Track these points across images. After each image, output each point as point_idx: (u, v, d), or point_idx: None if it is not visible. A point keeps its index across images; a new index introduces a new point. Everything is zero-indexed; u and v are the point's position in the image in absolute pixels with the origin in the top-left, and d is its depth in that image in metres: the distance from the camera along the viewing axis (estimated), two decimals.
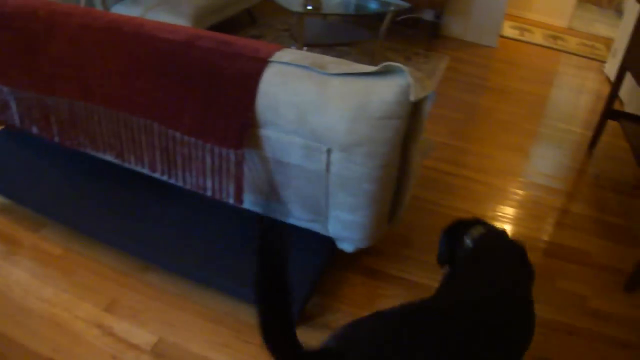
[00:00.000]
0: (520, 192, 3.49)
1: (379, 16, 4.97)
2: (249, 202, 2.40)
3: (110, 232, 2.50)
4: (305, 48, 4.60)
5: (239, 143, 2.09)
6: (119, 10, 4.86)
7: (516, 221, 3.20)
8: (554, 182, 3.64)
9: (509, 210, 3.29)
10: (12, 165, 2.94)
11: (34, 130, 2.79)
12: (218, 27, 5.27)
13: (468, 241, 1.87)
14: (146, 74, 2.22)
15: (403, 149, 2.06)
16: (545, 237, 3.08)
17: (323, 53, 3.69)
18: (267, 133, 2.06)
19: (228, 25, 5.67)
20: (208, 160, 2.24)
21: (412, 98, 1.77)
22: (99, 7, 4.91)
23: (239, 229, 2.48)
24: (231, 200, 2.30)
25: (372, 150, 1.90)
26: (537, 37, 6.94)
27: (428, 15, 6.16)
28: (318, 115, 1.90)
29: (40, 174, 2.86)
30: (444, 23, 6.37)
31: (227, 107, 2.06)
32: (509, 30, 6.98)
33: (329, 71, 1.89)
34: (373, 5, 5.01)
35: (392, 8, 4.73)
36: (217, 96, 2.07)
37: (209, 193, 2.35)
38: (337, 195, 2.10)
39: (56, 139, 2.73)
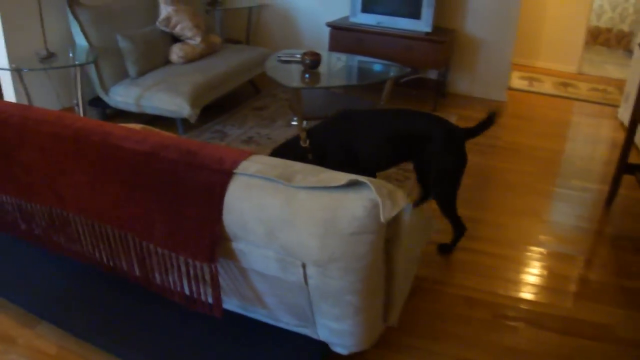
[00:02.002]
0: (534, 263, 3.31)
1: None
2: (234, 305, 2.33)
3: (102, 337, 2.45)
4: (305, 123, 4.50)
5: (211, 257, 1.97)
6: (118, 91, 4.84)
7: (530, 297, 3.02)
8: (570, 248, 3.46)
9: (522, 287, 3.11)
10: (3, 262, 2.94)
11: (16, 234, 2.75)
12: (220, 101, 5.21)
13: None
14: (114, 185, 2.12)
15: (387, 255, 1.92)
16: (563, 313, 2.89)
17: None
18: (240, 247, 1.95)
19: (231, 98, 5.60)
20: (184, 270, 2.12)
21: (382, 219, 1.63)
22: (98, 89, 4.88)
23: (231, 333, 2.40)
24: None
25: (348, 266, 1.76)
26: (547, 86, 6.80)
27: (433, 74, 6.05)
28: (287, 231, 1.77)
29: (32, 272, 2.85)
30: (450, 80, 6.26)
31: (194, 221, 1.95)
32: (517, 81, 6.86)
33: (295, 184, 1.76)
34: (372, 74, 4.92)
35: (392, 74, 4.62)
36: (184, 209, 1.96)
37: (189, 304, 2.23)
38: (320, 305, 1.98)
39: (38, 244, 2.69)
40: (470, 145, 4.36)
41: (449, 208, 3.17)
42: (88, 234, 2.40)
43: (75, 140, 2.20)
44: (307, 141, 3.08)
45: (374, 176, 3.22)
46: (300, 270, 1.85)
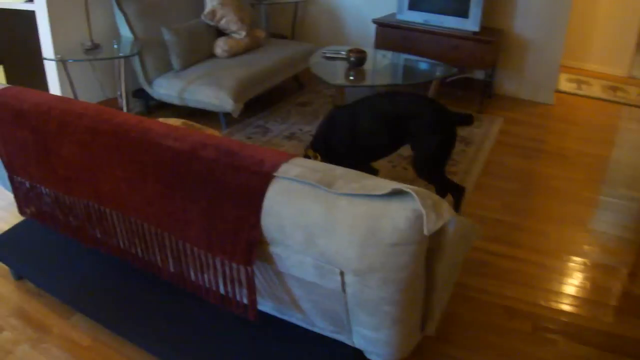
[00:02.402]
0: (576, 273, 3.23)
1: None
2: (269, 308, 2.30)
3: (135, 331, 2.48)
4: None
5: (248, 260, 1.93)
6: (161, 83, 4.84)
7: (571, 309, 2.94)
8: (614, 260, 3.36)
9: (563, 298, 3.02)
10: (40, 252, 2.99)
11: (54, 225, 2.74)
12: (264, 96, 5.18)
13: None
14: (152, 183, 2.09)
15: (428, 266, 1.86)
16: (604, 328, 2.81)
17: None
18: (277, 251, 1.90)
19: (275, 93, 5.57)
20: (219, 270, 2.09)
21: (426, 232, 1.57)
22: (141, 81, 4.88)
23: (265, 334, 2.39)
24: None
25: (387, 276, 1.70)
26: (596, 89, 6.65)
27: (479, 75, 5.94)
28: (326, 238, 1.72)
29: (68, 263, 2.88)
30: (497, 81, 6.15)
31: (232, 223, 1.90)
32: (565, 84, 6.72)
33: (336, 190, 1.71)
34: (418, 73, 4.84)
35: (438, 74, 4.54)
36: (222, 211, 1.91)
37: (224, 304, 2.20)
38: (357, 314, 1.92)
39: (75, 237, 2.67)
40: (514, 149, 4.27)
41: (437, 183, 3.34)
42: (124, 229, 2.38)
43: (114, 136, 2.17)
44: (318, 155, 3.32)
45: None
46: (338, 278, 1.80)
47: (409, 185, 1.64)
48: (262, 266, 2.02)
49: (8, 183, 2.84)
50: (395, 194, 1.65)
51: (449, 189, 3.41)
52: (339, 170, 1.81)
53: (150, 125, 2.14)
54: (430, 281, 1.95)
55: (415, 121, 3.18)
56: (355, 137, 3.28)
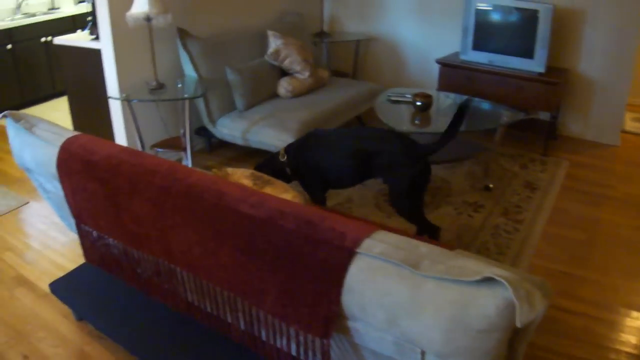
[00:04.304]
0: None
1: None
2: None
3: None
4: None
5: (324, 333, 1.89)
6: (225, 123, 4.85)
7: None
8: None
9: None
10: (102, 295, 3.04)
11: (120, 277, 2.76)
12: None
13: None
14: (227, 248, 2.06)
15: (510, 345, 1.79)
16: None
17: (434, 170, 3.84)
18: (356, 326, 1.85)
19: None
20: (293, 338, 2.04)
21: (519, 323, 1.50)
22: (205, 120, 4.89)
23: None
24: None
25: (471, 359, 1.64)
26: None
27: (543, 115, 5.84)
28: (410, 320, 1.67)
29: (130, 308, 2.91)
30: (561, 122, 6.03)
31: (310, 297, 1.86)
32: (631, 123, 6.54)
33: (423, 271, 1.65)
34: (484, 119, 4.76)
35: (505, 119, 4.46)
36: (300, 284, 1.87)
37: None
38: None
39: (141, 290, 2.68)
40: (580, 195, 4.16)
41: (415, 222, 3.40)
42: (194, 288, 2.36)
43: (187, 197, 2.15)
44: (285, 156, 3.48)
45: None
46: (419, 357, 1.75)
47: (500, 271, 1.58)
48: (337, 337, 1.97)
49: (72, 223, 2.86)
50: (486, 280, 1.59)
51: (425, 230, 3.47)
52: (423, 248, 1.76)
53: (225, 189, 2.12)
54: (509, 357, 1.89)
55: (383, 157, 3.26)
56: (323, 164, 3.41)
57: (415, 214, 3.40)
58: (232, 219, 2.02)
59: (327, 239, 1.81)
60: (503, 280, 1.52)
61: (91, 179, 2.50)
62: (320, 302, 1.84)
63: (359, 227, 1.85)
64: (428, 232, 3.46)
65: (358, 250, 1.77)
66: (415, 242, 1.80)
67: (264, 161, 3.59)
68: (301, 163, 3.47)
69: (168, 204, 2.21)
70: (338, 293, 1.78)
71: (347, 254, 1.77)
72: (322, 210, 1.99)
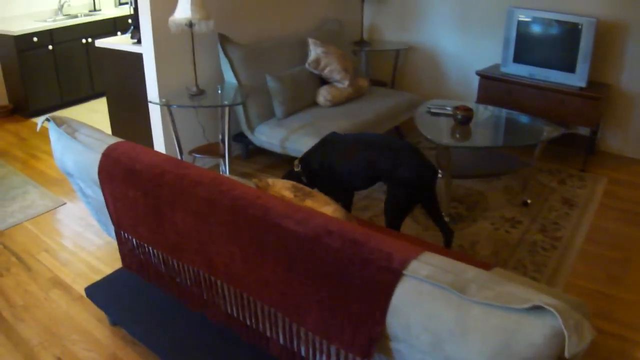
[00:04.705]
0: None
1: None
2: None
3: None
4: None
5: (366, 354, 1.87)
6: (263, 131, 4.86)
7: None
8: None
9: None
10: (137, 301, 3.05)
11: (157, 285, 2.77)
12: None
13: None
14: (270, 263, 2.06)
15: None
16: None
17: (472, 184, 4.05)
18: (399, 347, 1.84)
19: None
20: (334, 355, 2.03)
21: (567, 354, 1.48)
22: (243, 126, 4.90)
23: None
24: None
25: None
26: None
27: (583, 130, 5.77)
28: (455, 344, 1.65)
29: (165, 315, 2.92)
30: (600, 137, 5.96)
31: (354, 317, 1.85)
32: None
33: (470, 296, 1.64)
34: (525, 134, 4.71)
35: (545, 135, 4.41)
36: (344, 303, 1.86)
37: None
38: None
39: (180, 298, 2.68)
40: (618, 212, 4.10)
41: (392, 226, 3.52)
42: (234, 302, 2.36)
43: (232, 211, 2.14)
44: (299, 166, 3.59)
45: (352, 194, 3.88)
46: None
47: (549, 300, 1.55)
48: (379, 357, 1.96)
49: (109, 227, 2.87)
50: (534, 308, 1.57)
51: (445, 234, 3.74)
52: (470, 272, 1.74)
53: (269, 203, 2.11)
54: None
55: (394, 173, 3.40)
56: (337, 168, 3.54)
57: (395, 228, 3.51)
58: (277, 235, 2.02)
59: (374, 259, 1.80)
60: (553, 310, 1.50)
61: (133, 187, 2.51)
62: (364, 322, 1.83)
63: (406, 248, 1.83)
64: (446, 236, 3.74)
65: (405, 272, 1.75)
66: (462, 265, 1.78)
67: (284, 174, 3.67)
68: (316, 168, 3.59)
69: (212, 216, 2.21)
70: (383, 314, 1.77)
71: (394, 276, 1.75)
72: (368, 228, 1.98)
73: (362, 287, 1.81)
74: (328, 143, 3.63)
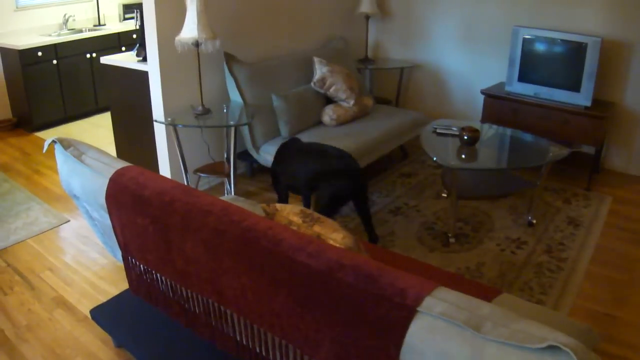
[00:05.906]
0: None
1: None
2: None
3: None
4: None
5: None
6: (268, 150, 4.85)
7: None
8: None
9: None
10: (142, 324, 3.02)
11: (165, 312, 2.75)
12: (371, 165, 5.13)
13: None
14: (281, 297, 2.04)
15: None
16: None
17: (477, 204, 4.06)
18: None
19: (380, 160, 5.50)
20: None
21: None
22: (248, 145, 4.90)
23: None
24: None
25: None
26: None
27: (587, 149, 5.77)
28: None
29: (170, 340, 2.89)
30: (605, 156, 5.95)
31: (367, 351, 1.84)
32: None
33: (485, 334, 1.63)
34: (531, 156, 4.70)
35: (551, 156, 4.41)
36: (357, 337, 1.85)
37: None
38: None
39: (188, 327, 2.66)
40: (623, 232, 4.09)
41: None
42: (244, 332, 2.34)
43: (242, 242, 2.13)
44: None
45: (309, 195, 4.19)
46: None
47: (565, 339, 1.55)
48: None
49: (115, 249, 2.85)
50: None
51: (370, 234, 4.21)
52: (486, 309, 1.73)
53: (281, 234, 2.10)
54: None
55: (325, 177, 3.89)
56: (289, 169, 4.15)
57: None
58: (289, 268, 2.00)
59: (387, 295, 1.79)
60: (569, 350, 1.49)
61: (141, 215, 2.49)
62: (377, 358, 1.82)
63: (420, 284, 1.82)
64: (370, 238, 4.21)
65: (419, 309, 1.74)
66: (477, 301, 1.77)
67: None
68: (277, 166, 4.24)
69: (222, 246, 2.20)
70: (397, 351, 1.76)
71: (407, 312, 1.74)
72: (381, 263, 1.97)
73: (375, 323, 1.80)
74: (285, 147, 4.27)
